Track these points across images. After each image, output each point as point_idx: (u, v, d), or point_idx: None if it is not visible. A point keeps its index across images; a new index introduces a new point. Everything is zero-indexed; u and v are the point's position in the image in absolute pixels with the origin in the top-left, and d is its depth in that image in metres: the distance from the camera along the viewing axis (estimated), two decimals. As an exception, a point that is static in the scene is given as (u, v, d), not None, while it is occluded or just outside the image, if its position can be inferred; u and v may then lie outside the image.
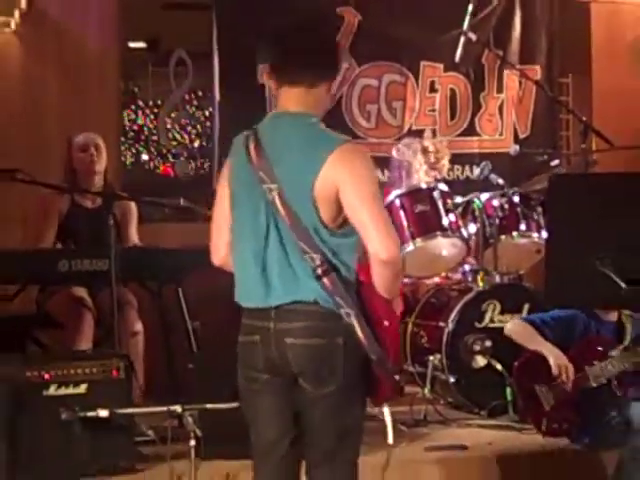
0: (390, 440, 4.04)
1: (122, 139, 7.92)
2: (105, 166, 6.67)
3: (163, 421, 5.05)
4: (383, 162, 7.54)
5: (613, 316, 5.64)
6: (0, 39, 7.42)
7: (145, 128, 8.20)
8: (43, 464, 4.83)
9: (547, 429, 5.61)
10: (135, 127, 8.22)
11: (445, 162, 7.12)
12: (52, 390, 4.93)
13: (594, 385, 5.55)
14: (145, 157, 8.44)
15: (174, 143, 8.23)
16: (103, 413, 4.88)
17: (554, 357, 5.58)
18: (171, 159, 8.37)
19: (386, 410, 4.04)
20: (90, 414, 4.88)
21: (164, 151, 8.22)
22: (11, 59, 7.48)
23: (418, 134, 7.43)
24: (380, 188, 3.83)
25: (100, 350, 6.00)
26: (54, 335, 6.33)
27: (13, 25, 7.39)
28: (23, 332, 6.04)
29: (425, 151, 7.00)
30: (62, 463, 4.86)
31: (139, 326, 6.32)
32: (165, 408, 4.73)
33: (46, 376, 4.94)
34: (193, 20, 7.92)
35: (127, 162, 8.00)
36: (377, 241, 3.67)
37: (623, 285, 3.54)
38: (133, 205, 6.69)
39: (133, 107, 8.20)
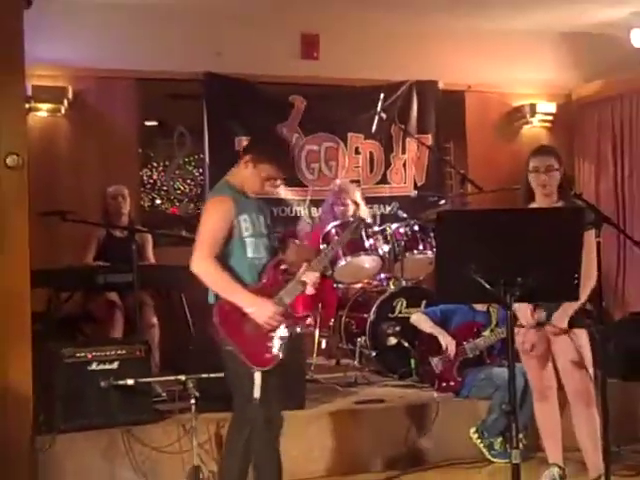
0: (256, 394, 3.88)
1: (142, 189, 7.87)
2: (129, 208, 6.65)
3: (173, 386, 5.06)
4: (321, 203, 7.58)
5: (483, 307, 5.68)
6: (54, 120, 7.33)
7: (157, 181, 8.17)
8: (89, 417, 4.80)
9: (438, 387, 5.65)
10: (151, 181, 8.20)
11: (357, 195, 7.02)
12: (94, 366, 4.91)
13: (470, 356, 5.61)
14: (158, 201, 8.42)
15: (178, 192, 8.22)
16: (130, 382, 4.89)
17: (442, 337, 5.64)
18: (176, 202, 8.35)
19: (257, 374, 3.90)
20: (121, 382, 4.88)
21: (171, 197, 8.20)
22: (62, 134, 7.40)
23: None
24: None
25: (127, 338, 5.98)
26: (94, 328, 6.29)
27: (63, 110, 7.33)
28: (73, 326, 6.00)
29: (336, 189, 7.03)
30: (101, 417, 4.82)
31: (155, 320, 6.28)
32: (174, 377, 4.74)
33: (89, 356, 4.92)
34: (190, 106, 7.88)
35: (145, 205, 7.97)
36: (192, 258, 3.92)
37: (488, 287, 3.56)
38: (149, 236, 6.68)
39: (149, 167, 8.19)
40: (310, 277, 4.03)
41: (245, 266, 4.00)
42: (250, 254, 4.01)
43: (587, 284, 4.22)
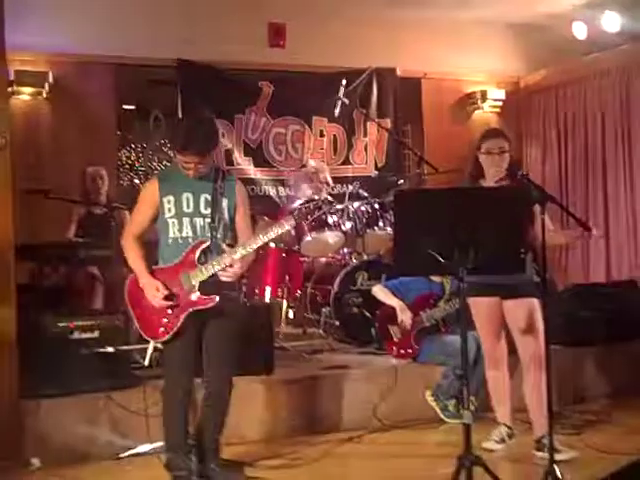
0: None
1: (120, 169, 7.81)
2: (107, 188, 6.58)
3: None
4: (287, 182, 7.68)
5: (438, 279, 5.68)
6: (36, 103, 7.26)
7: (135, 162, 8.10)
8: (71, 383, 4.75)
9: (397, 354, 5.66)
10: (129, 161, 8.13)
11: (327, 176, 7.02)
12: (76, 335, 4.89)
13: (427, 324, 5.62)
14: (136, 181, 8.35)
15: (155, 172, 8.14)
16: (110, 349, 4.87)
17: (399, 308, 5.64)
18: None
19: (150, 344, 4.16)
20: (101, 350, 4.86)
21: (148, 176, 8.11)
22: (43, 116, 7.33)
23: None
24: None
25: (107, 308, 5.94)
26: (76, 300, 6.23)
27: (44, 94, 7.26)
28: (56, 298, 5.94)
29: (312, 171, 6.99)
30: (83, 383, 4.77)
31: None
32: (151, 345, 4.67)
33: (71, 325, 4.89)
34: (165, 91, 7.80)
35: (124, 184, 7.90)
36: None
37: (442, 260, 3.59)
38: (127, 213, 6.60)
39: (127, 148, 8.11)
40: (226, 261, 3.88)
41: (165, 244, 4.02)
42: (171, 234, 3.99)
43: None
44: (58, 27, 7.07)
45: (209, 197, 4.00)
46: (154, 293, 3.94)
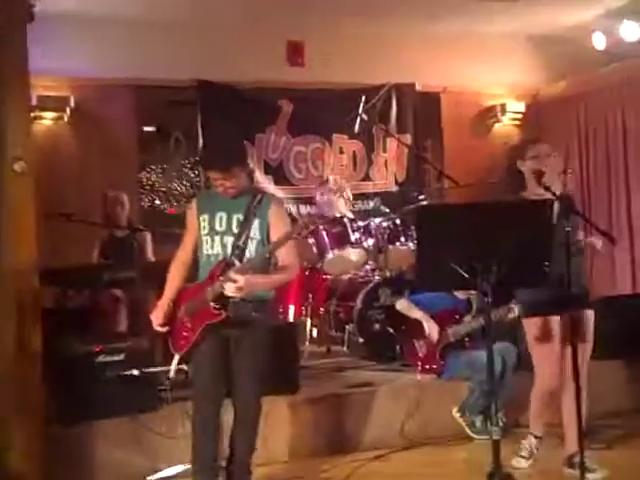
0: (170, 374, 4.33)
1: (141, 191, 7.84)
2: (127, 211, 6.60)
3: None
4: (309, 200, 7.65)
5: (464, 295, 5.64)
6: (57, 127, 7.34)
7: (157, 183, 8.12)
8: (98, 407, 4.75)
9: (422, 369, 5.61)
10: (150, 182, 8.14)
11: (348, 193, 7.01)
12: (101, 358, 4.86)
13: (452, 340, 5.58)
14: (157, 202, 8.36)
15: (176, 192, 8.16)
16: (135, 372, 4.87)
17: (426, 322, 5.58)
18: (174, 203, 8.30)
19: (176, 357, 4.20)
20: (127, 373, 4.86)
21: (169, 198, 8.15)
22: (65, 140, 7.40)
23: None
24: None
25: (132, 330, 5.93)
26: (100, 323, 6.23)
27: (66, 118, 7.33)
28: (81, 321, 5.95)
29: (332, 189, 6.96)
30: (110, 406, 4.77)
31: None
32: (177, 367, 4.66)
33: (97, 349, 4.87)
34: (185, 112, 7.83)
35: (145, 206, 7.91)
36: None
37: (466, 276, 3.56)
38: (148, 235, 6.63)
39: (148, 169, 8.12)
40: (233, 278, 3.86)
41: (201, 262, 4.13)
42: (205, 251, 4.09)
43: None
44: (79, 51, 7.14)
45: (241, 217, 4.04)
46: (154, 316, 4.15)
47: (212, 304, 3.95)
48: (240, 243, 4.01)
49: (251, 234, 4.02)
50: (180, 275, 4.20)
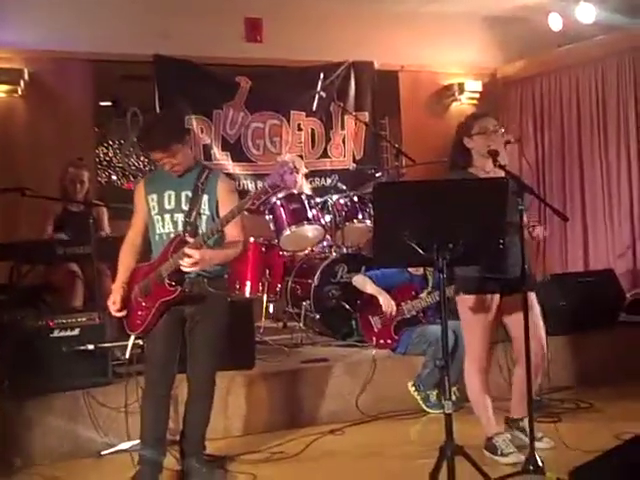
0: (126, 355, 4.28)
1: (98, 166, 7.76)
2: (87, 188, 6.51)
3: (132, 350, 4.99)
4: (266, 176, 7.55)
5: (420, 271, 5.68)
6: (11, 100, 7.20)
7: (113, 159, 8.05)
8: (52, 381, 4.73)
9: (377, 344, 5.67)
10: (107, 158, 8.08)
11: (303, 168, 6.96)
12: (56, 333, 4.82)
13: (407, 316, 5.63)
14: (114, 177, 8.31)
15: (133, 168, 8.10)
16: (90, 347, 4.83)
17: (382, 297, 5.63)
18: (131, 178, 8.24)
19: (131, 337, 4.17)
20: (81, 348, 4.82)
21: (126, 173, 8.09)
22: (19, 114, 7.27)
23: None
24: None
25: (87, 306, 5.88)
26: (56, 297, 6.17)
27: (20, 91, 7.20)
28: (35, 296, 5.89)
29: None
30: (64, 381, 4.75)
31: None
32: (132, 342, 4.63)
33: (51, 324, 4.82)
34: (142, 87, 7.76)
35: (102, 181, 7.84)
36: None
37: (422, 252, 3.59)
38: (105, 209, 6.56)
39: (105, 145, 8.07)
40: (186, 251, 3.85)
41: (154, 242, 4.11)
42: (156, 230, 4.08)
43: None
44: (33, 23, 7.01)
45: (190, 194, 4.02)
46: (110, 302, 4.11)
47: (167, 281, 3.93)
48: (191, 219, 4.00)
49: (201, 210, 4.01)
50: (132, 256, 4.17)
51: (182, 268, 3.85)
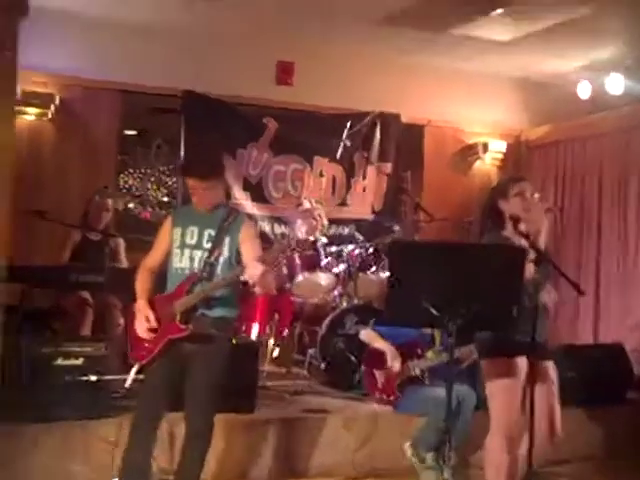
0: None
1: (118, 193, 7.82)
2: (110, 219, 6.58)
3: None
4: (285, 220, 7.79)
5: (428, 329, 5.67)
6: (40, 124, 7.28)
7: (133, 187, 8.12)
8: (51, 409, 4.72)
9: (379, 400, 5.63)
10: (127, 186, 8.14)
11: (322, 215, 7.05)
12: (59, 361, 4.84)
13: (412, 374, 5.60)
14: (131, 206, 8.36)
15: (152, 198, 8.16)
16: (93, 378, 4.85)
17: (389, 353, 5.61)
18: (149, 208, 8.31)
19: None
20: (84, 378, 4.84)
21: (144, 202, 8.15)
22: (48, 137, 7.35)
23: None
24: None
25: (93, 336, 5.91)
26: (64, 324, 6.18)
27: (49, 115, 7.29)
28: (44, 321, 5.91)
29: (307, 213, 7.00)
30: (63, 411, 4.75)
31: (121, 320, 6.17)
32: (134, 375, 4.63)
33: (55, 351, 4.84)
34: (169, 120, 7.83)
35: (119, 208, 7.90)
36: None
37: (436, 313, 3.59)
38: (122, 241, 6.62)
39: (126, 172, 8.14)
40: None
41: (170, 274, 4.15)
42: (174, 264, 4.12)
43: None
44: (69, 50, 7.13)
45: (213, 232, 4.06)
46: (142, 321, 4.07)
47: (179, 318, 3.95)
48: (211, 260, 4.03)
49: (222, 251, 4.04)
50: (149, 281, 4.21)
51: (246, 278, 3.87)
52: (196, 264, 4.06)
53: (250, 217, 7.58)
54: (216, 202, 4.13)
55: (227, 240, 4.07)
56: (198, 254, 4.06)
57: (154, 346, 4.05)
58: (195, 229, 4.10)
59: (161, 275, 4.25)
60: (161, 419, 4.14)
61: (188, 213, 4.18)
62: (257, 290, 4.14)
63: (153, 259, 4.25)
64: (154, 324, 4.05)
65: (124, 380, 4.97)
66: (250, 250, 4.03)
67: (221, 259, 4.06)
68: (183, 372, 4.08)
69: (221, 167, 4.24)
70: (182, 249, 4.10)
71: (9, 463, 4.54)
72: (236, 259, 4.07)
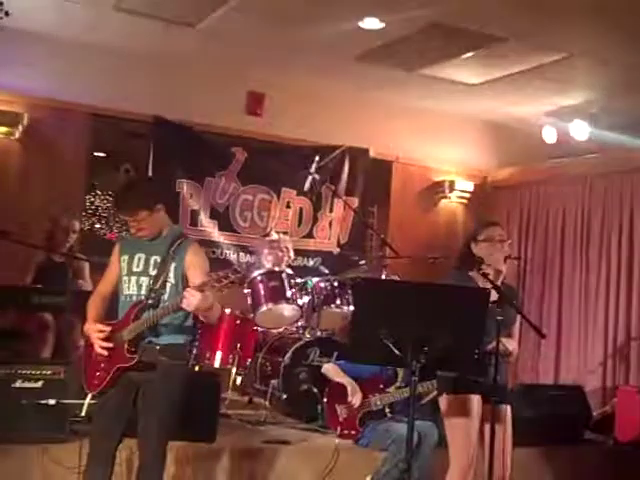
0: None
1: (84, 213, 7.78)
2: (74, 240, 6.55)
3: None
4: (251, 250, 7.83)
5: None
6: (7, 143, 7.22)
7: (99, 208, 8.10)
8: (7, 432, 4.67)
9: (341, 434, 5.61)
10: (93, 207, 8.13)
11: (289, 247, 7.08)
12: (18, 383, 4.79)
13: (374, 409, 5.61)
14: (97, 226, 8.35)
15: (117, 219, 8.14)
16: (51, 402, 4.80)
17: (350, 388, 5.61)
18: (115, 229, 8.28)
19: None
20: (42, 402, 4.80)
21: (111, 223, 8.13)
22: (13, 157, 7.28)
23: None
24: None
25: (52, 359, 5.84)
26: (25, 345, 6.11)
27: (17, 134, 7.23)
28: (4, 342, 5.84)
29: (274, 244, 7.05)
30: (21, 434, 4.69)
31: (82, 342, 6.11)
32: (94, 400, 4.56)
33: (14, 373, 4.80)
34: (138, 145, 7.84)
35: (85, 229, 7.87)
36: None
37: (397, 352, 3.62)
38: (87, 263, 6.58)
39: (93, 194, 8.13)
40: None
41: (120, 302, 4.14)
42: (123, 291, 4.12)
43: None
44: (39, 71, 7.10)
45: (159, 259, 4.06)
46: (95, 338, 4.02)
47: (126, 347, 3.95)
48: (156, 286, 4.02)
49: (168, 278, 4.02)
50: (100, 307, 4.18)
51: (182, 306, 3.81)
52: (143, 291, 4.05)
53: (216, 244, 7.79)
54: (155, 230, 4.11)
55: (172, 266, 4.04)
56: (145, 281, 4.04)
57: (105, 374, 4.02)
58: (142, 256, 4.09)
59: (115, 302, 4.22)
60: (115, 447, 4.06)
61: (135, 240, 4.15)
62: (201, 318, 4.11)
63: (104, 285, 4.25)
64: (107, 334, 4.01)
65: (81, 405, 4.93)
66: (192, 277, 3.99)
67: (168, 285, 4.03)
68: (135, 401, 4.04)
69: (151, 198, 4.13)
70: (129, 276, 4.09)
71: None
72: (183, 285, 4.02)
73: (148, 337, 4.00)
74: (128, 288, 4.08)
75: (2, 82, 6.44)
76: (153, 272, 4.04)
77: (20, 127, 7.21)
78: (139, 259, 4.09)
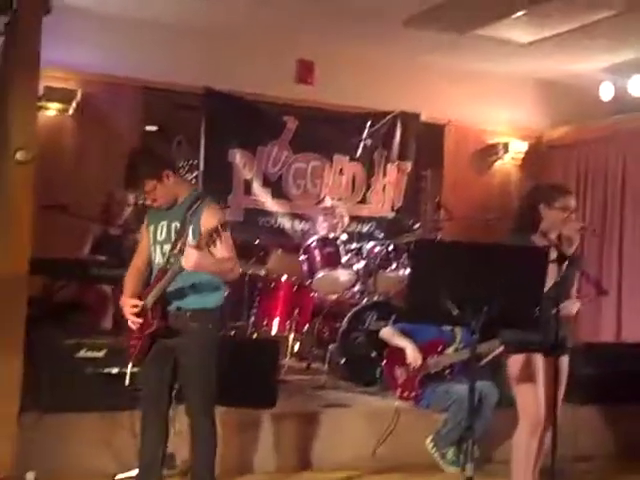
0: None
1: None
2: (129, 213, 6.61)
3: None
4: (304, 216, 7.87)
5: (449, 327, 5.66)
6: (61, 120, 7.33)
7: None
8: (73, 400, 4.77)
9: (400, 396, 5.64)
10: (147, 181, 8.17)
11: (343, 214, 7.12)
12: (82, 353, 4.89)
13: (432, 371, 5.62)
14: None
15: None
16: (114, 370, 4.86)
17: (409, 349, 5.62)
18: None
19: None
20: (106, 370, 4.88)
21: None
22: (68, 133, 7.39)
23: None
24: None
25: (115, 329, 5.93)
26: (86, 317, 6.21)
27: (71, 111, 7.32)
28: (65, 313, 5.94)
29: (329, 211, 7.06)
30: (85, 401, 4.78)
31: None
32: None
33: (79, 343, 4.89)
34: (190, 117, 7.87)
35: (139, 202, 7.91)
36: None
37: (456, 311, 3.60)
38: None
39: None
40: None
41: (153, 270, 4.16)
42: (154, 260, 4.15)
43: None
44: (91, 47, 7.16)
45: (179, 225, 4.05)
46: (128, 312, 4.07)
47: (150, 313, 3.99)
48: (176, 252, 3.97)
49: (187, 241, 3.95)
50: (135, 281, 4.21)
51: (183, 265, 3.80)
52: (162, 258, 4.08)
53: (269, 213, 7.81)
54: (169, 198, 4.08)
55: (190, 229, 4.00)
56: (168, 248, 4.06)
57: (138, 342, 4.08)
58: (164, 224, 4.10)
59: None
60: (165, 414, 4.13)
61: (158, 210, 4.16)
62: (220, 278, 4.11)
63: (138, 258, 4.29)
64: (139, 308, 4.04)
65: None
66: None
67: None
68: (176, 366, 4.09)
69: (152, 168, 4.07)
70: (155, 245, 4.12)
71: (38, 449, 4.59)
72: None
73: (174, 302, 4.02)
74: (155, 257, 4.12)
75: (55, 59, 6.47)
76: (172, 238, 4.06)
77: (74, 103, 7.30)
78: (162, 227, 4.11)
